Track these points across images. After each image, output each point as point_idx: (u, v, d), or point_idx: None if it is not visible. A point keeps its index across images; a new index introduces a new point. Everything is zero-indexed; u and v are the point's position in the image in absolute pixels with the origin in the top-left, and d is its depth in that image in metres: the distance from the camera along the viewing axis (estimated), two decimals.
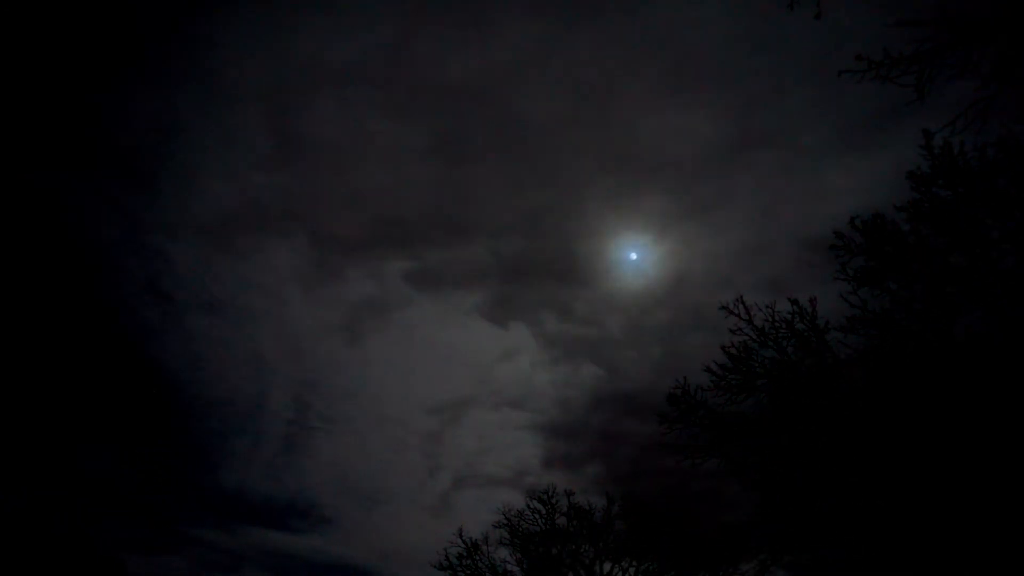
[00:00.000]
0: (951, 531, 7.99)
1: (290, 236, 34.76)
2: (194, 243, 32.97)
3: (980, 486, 7.82)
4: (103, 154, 29.95)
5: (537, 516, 18.84)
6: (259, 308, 36.29)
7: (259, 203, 33.86)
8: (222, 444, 35.74)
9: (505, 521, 18.90)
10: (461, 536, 18.65)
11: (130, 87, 29.30)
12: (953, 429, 8.05)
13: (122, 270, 32.80)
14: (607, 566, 18.47)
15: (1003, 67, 6.31)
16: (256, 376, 36.50)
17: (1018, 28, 6.15)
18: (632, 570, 18.47)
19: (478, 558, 18.48)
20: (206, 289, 34.03)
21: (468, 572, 18.43)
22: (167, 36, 27.70)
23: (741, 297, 10.17)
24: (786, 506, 10.18)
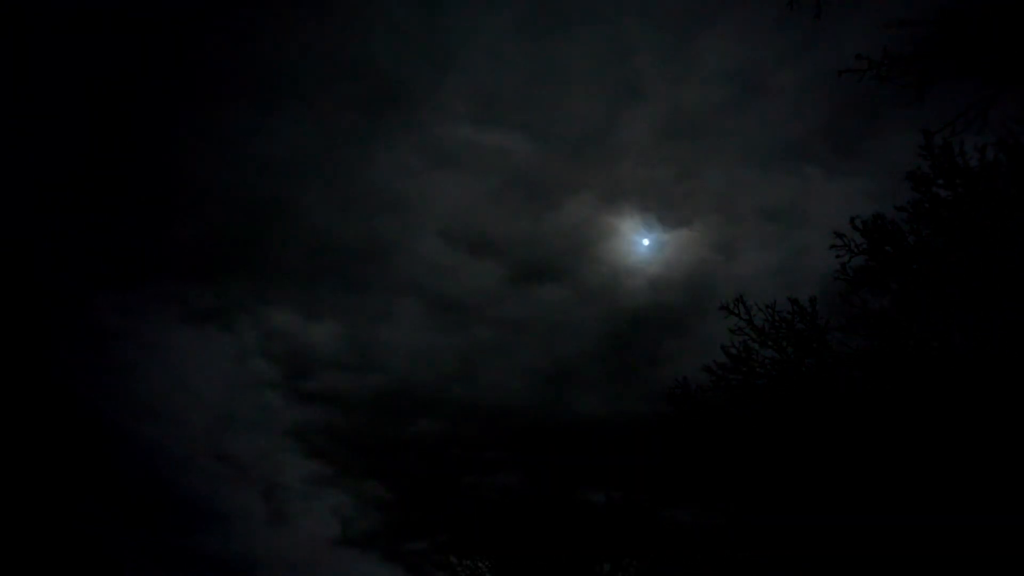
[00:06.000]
0: (951, 533, 8.00)
1: None
2: None
3: (980, 488, 7.82)
4: None
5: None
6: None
7: None
8: None
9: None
10: (460, 538, 18.67)
11: None
12: (953, 430, 8.06)
13: None
14: (607, 566, 18.45)
15: (1003, 67, 6.31)
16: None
17: (1018, 28, 6.15)
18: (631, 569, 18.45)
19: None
20: None
21: (469, 572, 18.44)
22: None
23: (741, 297, 10.25)
24: (782, 506, 10.20)
